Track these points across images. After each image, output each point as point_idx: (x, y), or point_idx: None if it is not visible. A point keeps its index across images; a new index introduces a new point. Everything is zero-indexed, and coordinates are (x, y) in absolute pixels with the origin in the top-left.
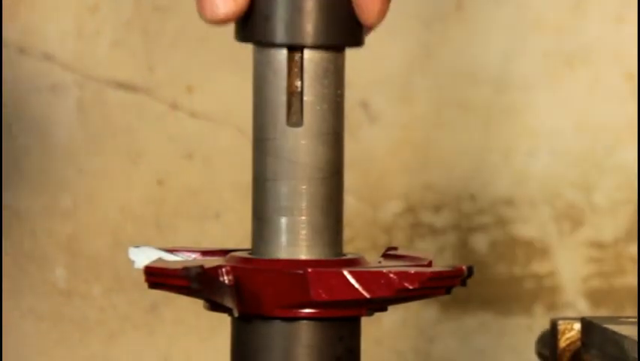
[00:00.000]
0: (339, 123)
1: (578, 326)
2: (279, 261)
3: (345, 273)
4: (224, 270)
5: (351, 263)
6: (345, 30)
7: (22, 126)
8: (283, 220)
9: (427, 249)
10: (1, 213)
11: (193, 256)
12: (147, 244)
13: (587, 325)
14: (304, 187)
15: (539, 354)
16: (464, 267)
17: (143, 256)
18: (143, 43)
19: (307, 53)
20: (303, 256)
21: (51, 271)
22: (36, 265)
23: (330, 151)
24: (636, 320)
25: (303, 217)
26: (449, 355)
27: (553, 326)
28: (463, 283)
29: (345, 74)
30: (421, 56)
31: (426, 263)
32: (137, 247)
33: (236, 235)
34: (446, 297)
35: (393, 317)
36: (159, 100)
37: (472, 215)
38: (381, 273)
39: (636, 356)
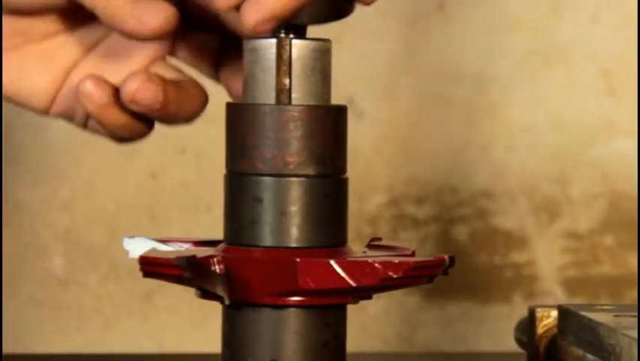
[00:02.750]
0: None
1: (554, 313)
2: (268, 251)
3: (332, 263)
4: (215, 260)
5: (337, 253)
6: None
7: (22, 121)
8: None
9: (410, 239)
10: (2, 204)
11: (185, 246)
12: (141, 234)
13: (564, 312)
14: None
15: (518, 340)
16: (446, 257)
17: (138, 247)
18: None
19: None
20: (292, 245)
21: (49, 260)
22: (35, 254)
23: None
24: (611, 307)
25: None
26: (431, 341)
27: (531, 313)
28: (445, 273)
29: (332, 72)
30: (405, 54)
31: (409, 253)
32: (131, 237)
33: None
34: (428, 285)
35: (378, 304)
36: None
37: (453, 207)
38: (366, 263)
39: (611, 342)
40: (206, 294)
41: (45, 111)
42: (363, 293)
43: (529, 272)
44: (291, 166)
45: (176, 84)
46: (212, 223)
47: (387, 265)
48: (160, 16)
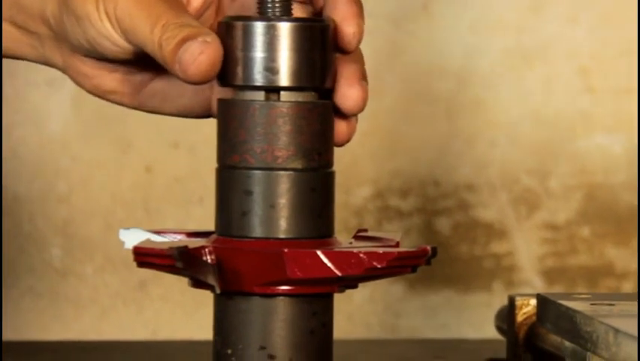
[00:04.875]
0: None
1: (533, 301)
2: (257, 242)
3: (319, 253)
4: (207, 250)
5: (324, 244)
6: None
7: (21, 118)
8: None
9: (394, 231)
10: (2, 198)
11: (178, 237)
12: (136, 226)
13: (542, 301)
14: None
15: (498, 328)
16: (429, 247)
17: (133, 238)
18: None
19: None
20: (281, 237)
21: (47, 251)
22: (34, 246)
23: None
24: (588, 296)
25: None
26: (415, 329)
27: (511, 301)
28: (428, 263)
29: None
30: (390, 52)
31: (393, 244)
32: (126, 229)
33: None
34: (412, 275)
35: (363, 293)
36: None
37: (436, 199)
38: (351, 253)
39: (588, 329)
40: (199, 283)
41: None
42: (348, 282)
43: (508, 262)
44: (279, 160)
45: None
46: (204, 215)
47: (371, 255)
48: (202, 65)
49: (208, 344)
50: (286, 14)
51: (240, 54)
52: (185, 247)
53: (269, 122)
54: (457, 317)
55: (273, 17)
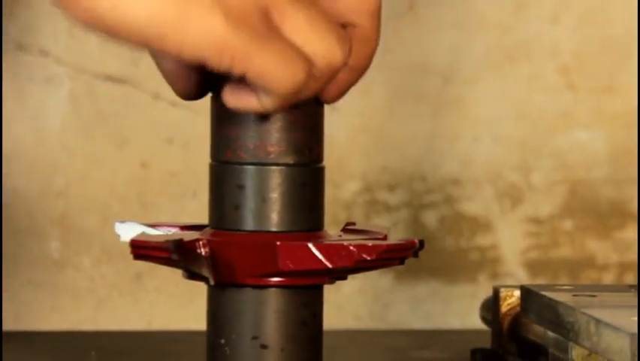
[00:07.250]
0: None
1: (517, 293)
2: (250, 234)
3: (310, 245)
4: (201, 243)
5: (315, 236)
6: None
7: (21, 114)
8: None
9: (382, 224)
10: (2, 192)
11: (173, 230)
12: (132, 219)
13: (526, 292)
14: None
15: (483, 318)
16: (416, 240)
17: (129, 231)
18: None
19: None
20: (273, 229)
21: (46, 244)
22: (33, 239)
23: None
24: (570, 287)
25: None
26: (402, 319)
27: (496, 293)
28: (415, 255)
29: None
30: (377, 51)
31: (381, 237)
32: (123, 222)
33: None
34: (400, 267)
35: (353, 284)
36: (143, 91)
37: (422, 194)
38: (342, 245)
39: (570, 320)
40: (193, 275)
41: None
42: (338, 274)
43: (493, 255)
44: (271, 155)
45: None
46: (198, 209)
47: (361, 247)
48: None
49: (202, 334)
50: None
51: None
52: (181, 240)
53: (261, 118)
54: (444, 308)
55: None
